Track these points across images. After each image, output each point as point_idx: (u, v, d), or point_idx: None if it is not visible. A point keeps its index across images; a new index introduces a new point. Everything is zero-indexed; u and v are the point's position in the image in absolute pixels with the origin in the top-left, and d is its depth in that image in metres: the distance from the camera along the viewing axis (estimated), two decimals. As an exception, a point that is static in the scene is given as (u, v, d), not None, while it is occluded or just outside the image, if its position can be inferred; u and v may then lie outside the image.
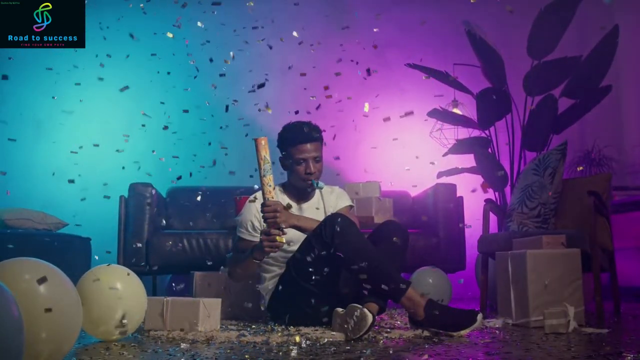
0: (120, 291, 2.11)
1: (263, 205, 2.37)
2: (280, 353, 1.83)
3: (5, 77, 3.11)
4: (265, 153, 2.33)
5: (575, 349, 1.89)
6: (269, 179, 2.35)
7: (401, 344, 2.06)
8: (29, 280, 1.48)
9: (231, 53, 3.88)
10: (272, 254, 2.48)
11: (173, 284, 4.17)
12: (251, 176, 2.71)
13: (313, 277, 2.43)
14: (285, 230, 2.39)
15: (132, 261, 3.51)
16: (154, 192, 3.76)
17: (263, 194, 2.37)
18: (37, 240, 3.55)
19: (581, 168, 4.39)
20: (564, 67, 3.85)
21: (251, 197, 2.66)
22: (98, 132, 4.47)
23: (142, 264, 3.56)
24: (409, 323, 2.35)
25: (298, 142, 2.57)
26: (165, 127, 3.62)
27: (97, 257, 3.73)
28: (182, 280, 4.13)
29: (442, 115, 4.28)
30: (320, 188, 2.62)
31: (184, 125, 4.54)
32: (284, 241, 2.39)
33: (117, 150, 3.94)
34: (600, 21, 4.31)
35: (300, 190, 2.68)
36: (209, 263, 2.77)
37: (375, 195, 3.74)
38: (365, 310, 2.14)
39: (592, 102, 3.89)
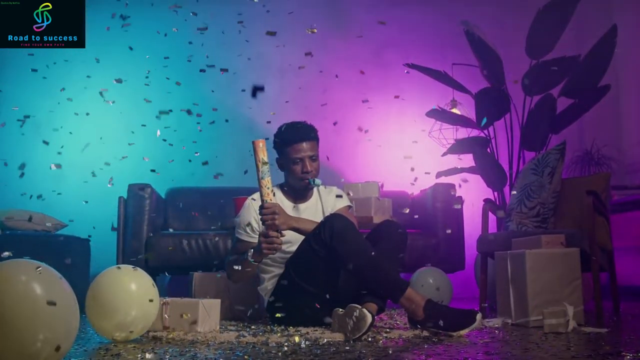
0: (133, 291, 2.13)
1: (261, 207, 2.37)
2: (280, 353, 1.83)
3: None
4: (263, 155, 2.33)
5: (575, 349, 1.89)
6: (267, 181, 2.35)
7: (400, 344, 2.06)
8: (26, 281, 1.48)
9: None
10: (270, 255, 2.48)
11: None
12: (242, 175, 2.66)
13: (312, 278, 2.44)
14: (283, 232, 2.39)
15: (131, 262, 3.51)
16: (152, 192, 3.75)
17: (261, 196, 2.37)
18: (36, 241, 3.54)
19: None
20: (563, 67, 3.85)
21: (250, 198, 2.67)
22: (98, 132, 4.47)
23: (141, 264, 3.56)
24: (408, 323, 2.35)
25: (294, 141, 2.57)
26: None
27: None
28: (183, 280, 4.13)
29: (441, 115, 4.28)
30: (317, 185, 2.62)
31: (184, 126, 4.54)
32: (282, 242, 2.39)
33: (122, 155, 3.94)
34: (598, 21, 4.32)
35: (298, 190, 2.67)
36: (215, 262, 2.77)
37: (374, 196, 3.74)
38: (365, 310, 2.14)
39: (591, 102, 3.90)
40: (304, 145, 2.58)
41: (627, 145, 4.93)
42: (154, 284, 2.23)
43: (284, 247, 2.45)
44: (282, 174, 2.71)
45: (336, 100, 4.76)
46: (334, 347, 1.96)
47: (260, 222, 2.44)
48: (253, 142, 2.35)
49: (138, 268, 2.23)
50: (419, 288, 3.27)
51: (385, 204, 3.76)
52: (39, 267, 1.51)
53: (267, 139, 2.48)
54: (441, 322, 2.19)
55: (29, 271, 1.50)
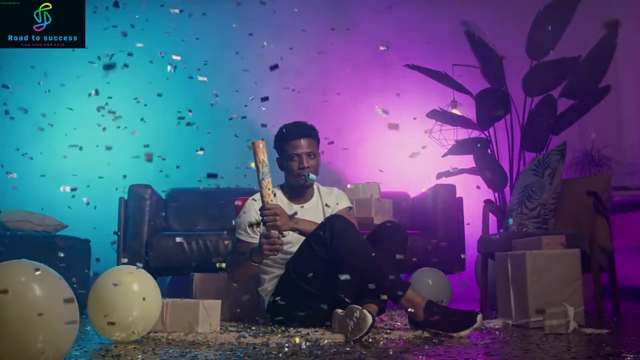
0: (134, 292, 2.13)
1: (262, 208, 2.37)
2: (280, 354, 1.83)
3: None
4: (263, 156, 2.33)
5: (575, 350, 1.89)
6: (268, 182, 2.35)
7: (401, 345, 2.06)
8: (25, 282, 1.47)
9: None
10: (271, 256, 2.47)
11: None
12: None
13: (312, 279, 2.43)
14: (284, 233, 2.39)
15: (131, 263, 3.50)
16: (153, 193, 3.75)
17: (262, 197, 2.37)
18: (36, 242, 3.54)
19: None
20: (563, 68, 3.85)
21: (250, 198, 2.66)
22: (97, 133, 4.46)
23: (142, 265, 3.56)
24: (408, 324, 2.35)
25: (292, 138, 2.58)
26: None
27: (97, 259, 3.71)
28: (184, 281, 4.13)
29: (441, 115, 4.28)
30: (312, 180, 2.61)
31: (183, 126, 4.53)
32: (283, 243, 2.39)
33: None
34: (599, 22, 4.31)
35: (297, 189, 2.67)
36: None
37: (374, 196, 3.73)
38: (365, 311, 2.14)
39: (591, 103, 3.90)
40: (302, 142, 2.58)
41: (628, 146, 4.92)
42: (156, 284, 2.23)
43: (284, 247, 2.45)
44: (283, 176, 2.71)
45: (336, 101, 4.76)
46: (334, 348, 1.96)
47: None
48: (253, 143, 2.35)
49: (140, 268, 2.23)
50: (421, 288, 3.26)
51: (386, 204, 3.76)
52: (38, 268, 1.51)
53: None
54: (442, 323, 2.19)
55: (28, 272, 1.50)
